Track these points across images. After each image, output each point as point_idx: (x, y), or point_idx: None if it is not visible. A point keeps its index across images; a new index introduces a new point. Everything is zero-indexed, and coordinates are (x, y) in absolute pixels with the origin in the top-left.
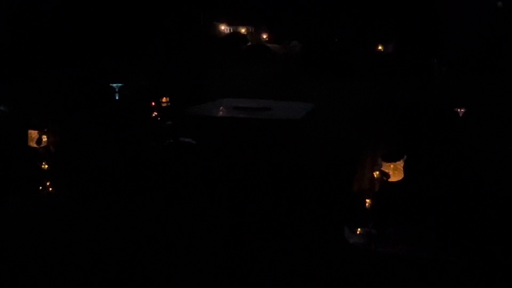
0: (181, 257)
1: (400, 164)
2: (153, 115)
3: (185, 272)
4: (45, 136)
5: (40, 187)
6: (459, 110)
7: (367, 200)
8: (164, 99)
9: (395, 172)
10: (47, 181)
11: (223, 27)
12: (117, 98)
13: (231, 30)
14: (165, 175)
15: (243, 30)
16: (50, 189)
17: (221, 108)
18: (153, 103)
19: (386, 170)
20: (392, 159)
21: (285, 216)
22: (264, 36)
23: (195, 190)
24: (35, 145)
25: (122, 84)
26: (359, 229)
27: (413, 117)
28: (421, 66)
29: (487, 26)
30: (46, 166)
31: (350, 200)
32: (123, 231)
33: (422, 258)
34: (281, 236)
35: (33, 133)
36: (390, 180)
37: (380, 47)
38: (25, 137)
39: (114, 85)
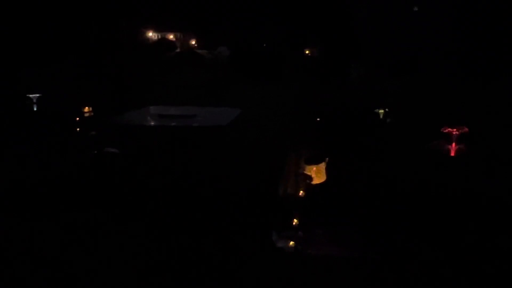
0: (106, 262)
1: (322, 166)
2: (75, 125)
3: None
4: None
5: None
6: (379, 111)
7: (292, 203)
8: (86, 109)
9: (318, 174)
10: None
11: (150, 34)
12: (35, 109)
13: (159, 37)
14: (90, 186)
15: (171, 37)
16: None
17: (145, 116)
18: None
19: (309, 173)
20: (314, 162)
21: (213, 222)
22: (193, 42)
23: (121, 199)
24: None
25: (40, 95)
26: (285, 232)
27: (333, 119)
28: (342, 69)
29: (404, 31)
30: None
31: (276, 204)
32: (46, 244)
33: (349, 258)
34: (209, 242)
35: None
36: (313, 182)
37: (307, 52)
38: None
39: (31, 95)
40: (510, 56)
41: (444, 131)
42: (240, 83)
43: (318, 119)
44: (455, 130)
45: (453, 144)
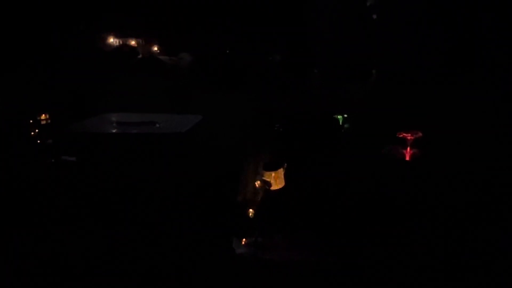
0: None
1: (281, 172)
2: (31, 133)
3: None
4: None
5: None
6: (338, 116)
7: (251, 210)
8: (43, 116)
9: (276, 180)
10: None
11: (111, 40)
12: None
13: (120, 42)
14: (47, 197)
15: (133, 43)
16: None
17: (104, 123)
18: (30, 121)
19: (268, 179)
20: (273, 168)
21: (171, 229)
22: (155, 49)
23: (78, 208)
24: None
25: None
26: (244, 239)
27: (292, 125)
28: (301, 75)
29: (362, 38)
30: None
31: (235, 210)
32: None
33: (308, 262)
34: (166, 250)
35: None
36: (272, 188)
37: (270, 57)
38: None
39: None
40: (464, 62)
41: (399, 136)
42: (202, 89)
43: (277, 125)
44: (409, 135)
45: (408, 149)
